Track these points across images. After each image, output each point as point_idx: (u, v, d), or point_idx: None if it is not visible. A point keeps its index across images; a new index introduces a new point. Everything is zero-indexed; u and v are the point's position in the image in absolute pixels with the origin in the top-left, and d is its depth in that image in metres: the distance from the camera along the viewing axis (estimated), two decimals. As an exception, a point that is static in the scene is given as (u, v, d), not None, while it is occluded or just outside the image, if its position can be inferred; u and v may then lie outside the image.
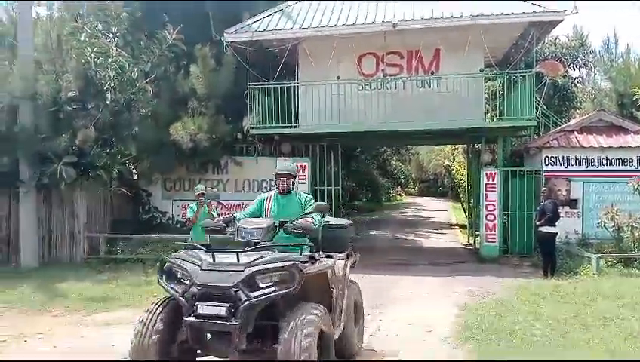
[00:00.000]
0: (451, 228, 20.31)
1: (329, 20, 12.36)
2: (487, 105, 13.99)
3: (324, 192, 12.62)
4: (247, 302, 3.87)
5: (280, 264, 4.02)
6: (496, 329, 6.44)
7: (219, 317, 3.88)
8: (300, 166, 12.44)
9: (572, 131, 12.36)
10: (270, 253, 4.22)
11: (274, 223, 4.58)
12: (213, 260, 4.08)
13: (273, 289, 3.95)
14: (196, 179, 12.60)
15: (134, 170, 13.01)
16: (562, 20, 11.79)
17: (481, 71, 12.78)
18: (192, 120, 12.00)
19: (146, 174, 12.90)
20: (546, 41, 17.77)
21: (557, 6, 13.81)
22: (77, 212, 11.56)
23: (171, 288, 4.20)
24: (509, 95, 12.69)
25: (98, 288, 9.08)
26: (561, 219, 10.25)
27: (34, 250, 11.14)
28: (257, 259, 4.04)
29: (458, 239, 17.05)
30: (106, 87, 11.56)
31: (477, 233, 13.73)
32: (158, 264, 4.60)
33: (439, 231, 19.48)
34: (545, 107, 14.76)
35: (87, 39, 11.63)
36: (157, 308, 4.31)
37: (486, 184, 12.13)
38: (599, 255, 10.03)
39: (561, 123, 14.65)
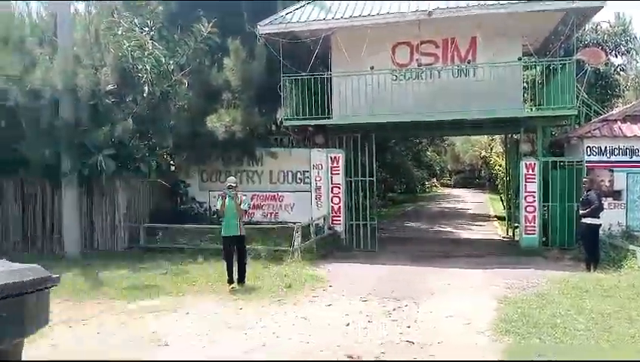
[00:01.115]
0: (489, 220, 19.96)
1: (362, 10, 12.20)
2: (525, 94, 13.61)
3: (358, 184, 12.56)
4: None
5: None
6: (537, 323, 6.30)
7: None
8: (334, 157, 12.43)
9: (615, 120, 11.92)
10: None
11: None
12: None
13: None
14: (232, 170, 12.73)
15: (172, 162, 13.23)
16: (603, 7, 11.35)
17: (520, 59, 12.43)
18: (227, 112, 12.10)
19: (183, 166, 13.13)
20: (586, 28, 17.14)
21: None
22: (117, 202, 11.85)
23: None
24: (549, 84, 12.30)
25: (139, 276, 9.31)
26: (604, 210, 9.93)
27: (77, 240, 11.45)
28: None
29: (496, 231, 16.74)
30: (143, 80, 11.74)
31: (516, 225, 13.45)
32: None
33: (477, 223, 19.15)
34: (586, 96, 14.28)
35: (123, 33, 11.81)
36: None
37: (525, 175, 11.84)
38: (645, 248, 9.67)
39: (603, 112, 14.13)
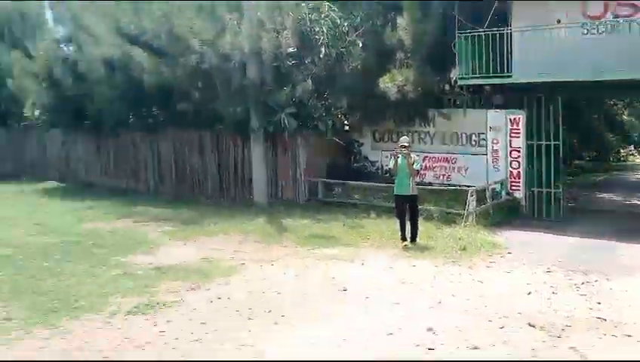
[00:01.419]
0: None
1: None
2: None
3: (541, 148, 11.62)
4: None
5: None
6: None
7: None
8: (514, 119, 11.64)
9: None
10: None
11: None
12: None
13: None
14: (403, 130, 12.68)
15: (346, 122, 13.68)
16: None
17: None
18: (400, 72, 12.01)
19: (356, 125, 13.48)
20: None
21: None
22: (298, 158, 12.62)
23: None
24: None
25: (318, 227, 9.96)
26: None
27: (263, 190, 12.55)
28: None
29: None
30: (320, 42, 12.17)
31: None
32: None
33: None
34: None
35: (301, -4, 12.33)
36: None
37: None
38: None
39: None
